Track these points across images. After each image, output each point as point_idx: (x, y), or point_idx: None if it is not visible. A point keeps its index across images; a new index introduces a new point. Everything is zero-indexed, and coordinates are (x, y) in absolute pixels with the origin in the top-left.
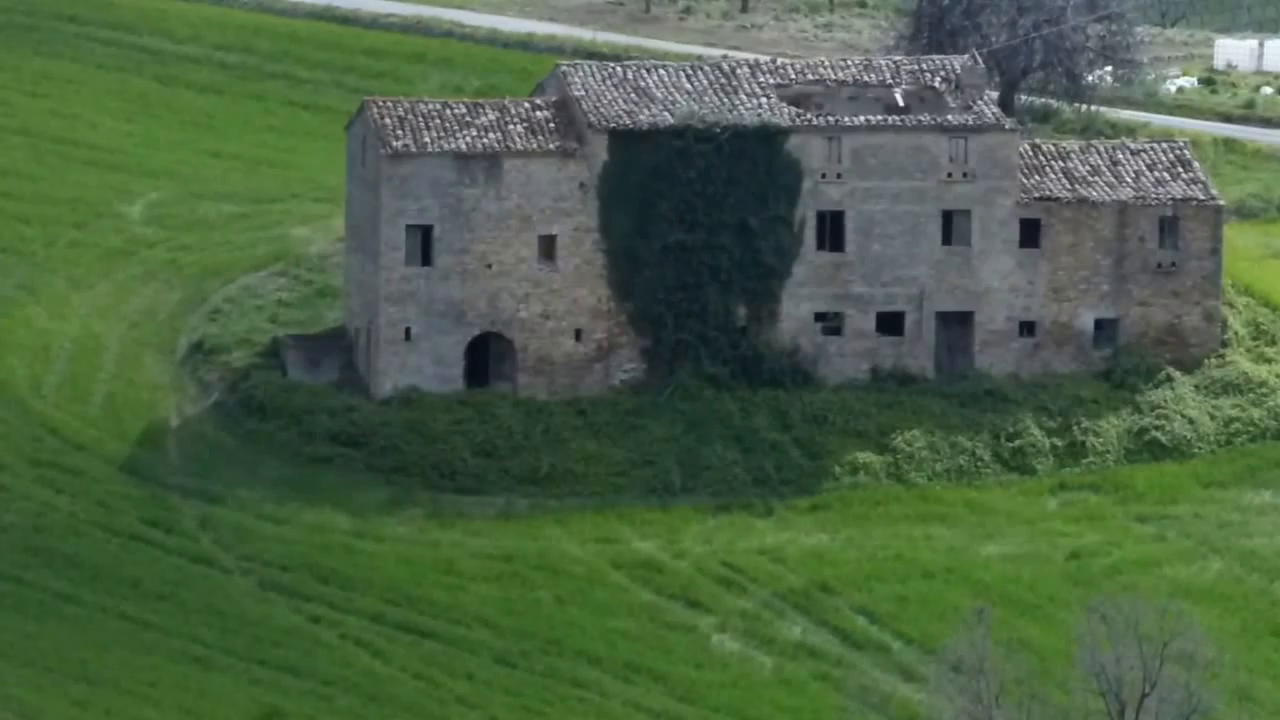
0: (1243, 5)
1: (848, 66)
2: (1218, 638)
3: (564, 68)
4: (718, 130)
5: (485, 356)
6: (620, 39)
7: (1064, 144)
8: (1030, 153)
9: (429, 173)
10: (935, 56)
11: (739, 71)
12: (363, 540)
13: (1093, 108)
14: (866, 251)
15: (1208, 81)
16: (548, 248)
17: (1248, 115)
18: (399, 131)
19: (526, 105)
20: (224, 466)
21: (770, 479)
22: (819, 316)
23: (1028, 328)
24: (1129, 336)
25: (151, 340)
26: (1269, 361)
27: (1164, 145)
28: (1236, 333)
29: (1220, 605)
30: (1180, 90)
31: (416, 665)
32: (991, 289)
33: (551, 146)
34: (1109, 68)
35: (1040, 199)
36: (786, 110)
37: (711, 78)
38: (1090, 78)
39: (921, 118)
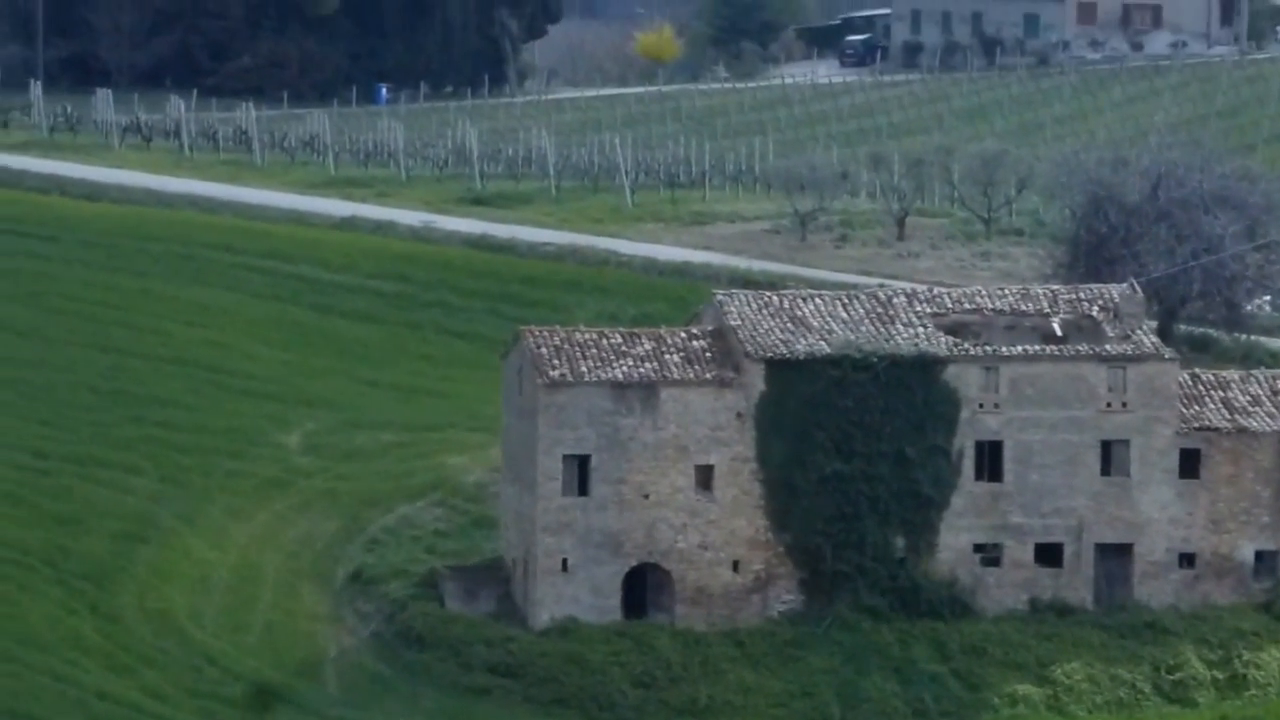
0: None
1: (1005, 295)
2: None
3: (720, 296)
4: (875, 359)
5: (642, 587)
6: (776, 267)
7: (1223, 373)
8: (1189, 382)
9: (585, 402)
10: (1093, 285)
11: (895, 300)
12: None
13: (1252, 337)
14: (1025, 482)
15: None
16: (705, 477)
17: None
18: (555, 360)
19: (683, 334)
20: (382, 697)
21: (929, 711)
22: (977, 548)
23: (1188, 559)
24: None
25: (309, 570)
26: None
27: None
28: None
29: None
30: None
31: None
32: (1151, 520)
33: (708, 376)
34: (1268, 296)
35: (1200, 429)
36: (943, 339)
37: (868, 306)
38: (1249, 306)
39: (1079, 347)
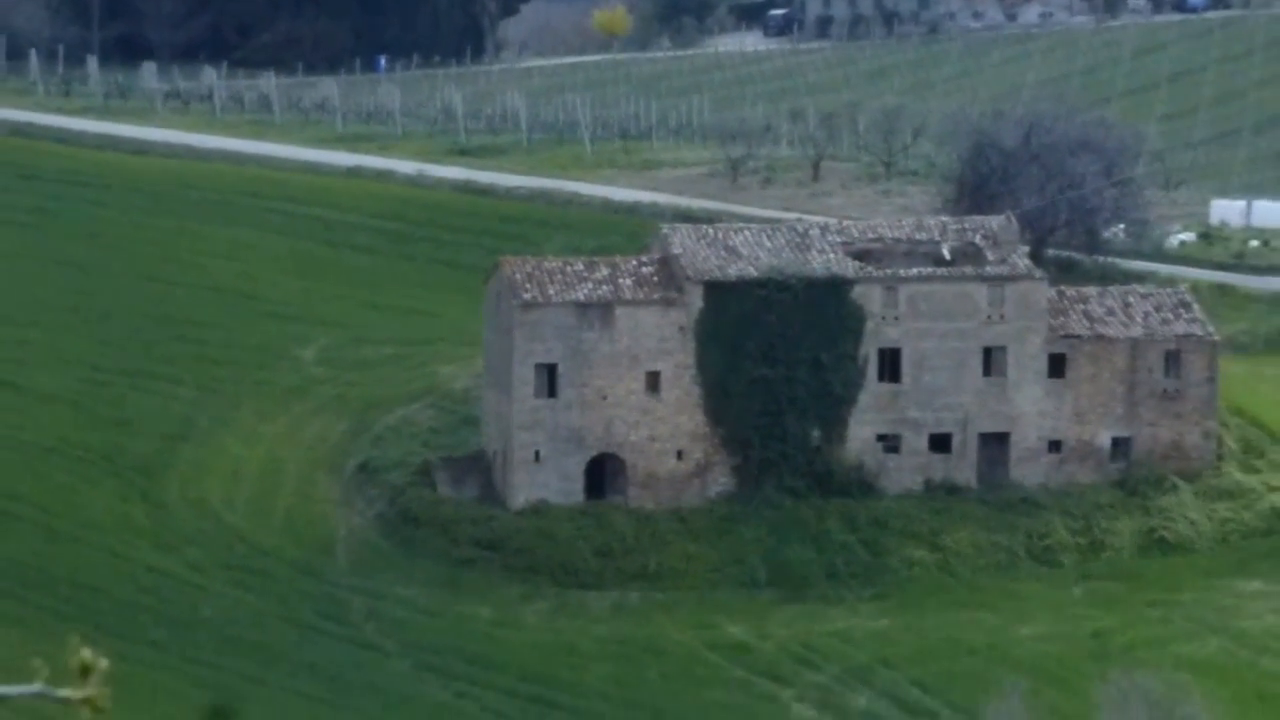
0: (1233, 172)
1: (902, 227)
2: (1215, 705)
3: (665, 230)
4: (794, 281)
5: (601, 473)
6: (712, 205)
7: (1084, 290)
8: (1056, 298)
9: (553, 320)
10: (976, 217)
11: (811, 232)
12: (501, 628)
13: (1108, 259)
14: (919, 382)
15: (1204, 236)
16: (653, 382)
17: (1238, 264)
18: (528, 285)
19: (634, 262)
20: (385, 568)
21: (840, 573)
22: (880, 437)
23: (1055, 445)
24: (1140, 452)
25: (324, 463)
26: (1257, 472)
27: (1168, 290)
28: (1230, 448)
29: (1216, 677)
30: (1181, 244)
31: None
32: (1024, 413)
33: (656, 297)
34: (1122, 225)
35: (1065, 336)
36: (851, 264)
37: (788, 237)
38: (1106, 234)
39: (965, 269)
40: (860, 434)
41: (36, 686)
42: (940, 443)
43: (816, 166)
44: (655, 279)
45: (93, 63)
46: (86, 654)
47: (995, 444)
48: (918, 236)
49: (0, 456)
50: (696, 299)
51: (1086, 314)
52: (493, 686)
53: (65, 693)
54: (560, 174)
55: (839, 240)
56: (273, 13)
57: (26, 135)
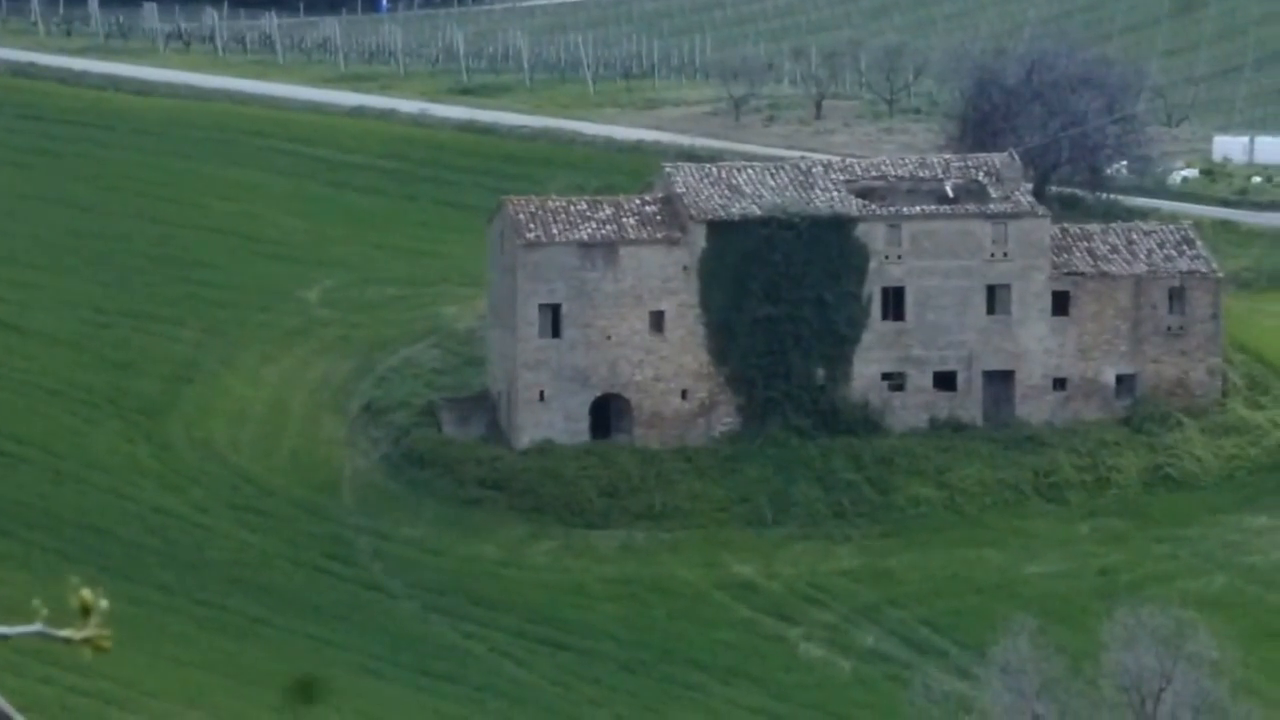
0: (1235, 108)
1: (905, 164)
2: (1223, 641)
3: (668, 168)
4: (797, 220)
5: (607, 413)
6: (715, 143)
7: (1087, 227)
8: (1059, 235)
9: (557, 259)
10: (979, 154)
11: (814, 170)
12: (507, 568)
13: (1111, 196)
14: (923, 320)
15: (1207, 172)
16: (657, 321)
17: (1241, 201)
18: (531, 225)
19: (637, 201)
20: (391, 508)
21: (847, 512)
22: (885, 376)
23: (1060, 383)
24: (1145, 389)
25: (328, 403)
26: (1262, 408)
27: (1171, 227)
28: (1235, 384)
29: (1224, 613)
30: (1184, 180)
31: (553, 673)
32: (1029, 350)
33: (659, 236)
34: (1125, 162)
35: (1068, 274)
36: (855, 202)
37: (791, 175)
38: (1109, 170)
39: (968, 207)
40: (865, 372)
41: (36, 626)
42: (945, 380)
43: (819, 104)
44: (659, 218)
45: (93, 2)
46: (86, 594)
47: (1000, 381)
48: (921, 174)
49: (4, 398)
50: (700, 238)
51: (1090, 251)
52: (500, 627)
53: (66, 633)
54: (563, 113)
55: (842, 178)
56: None
57: (28, 75)
